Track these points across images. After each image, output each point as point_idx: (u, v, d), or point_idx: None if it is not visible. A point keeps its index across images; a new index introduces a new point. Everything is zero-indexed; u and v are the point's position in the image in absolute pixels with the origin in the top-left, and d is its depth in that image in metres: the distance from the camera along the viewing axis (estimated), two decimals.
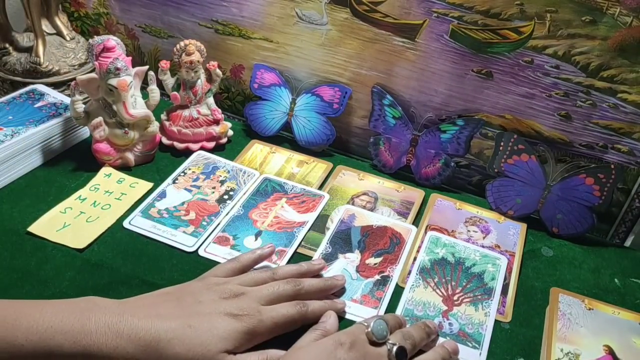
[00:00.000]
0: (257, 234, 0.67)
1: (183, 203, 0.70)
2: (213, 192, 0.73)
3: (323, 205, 0.72)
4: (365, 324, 0.51)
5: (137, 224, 0.67)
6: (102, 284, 0.59)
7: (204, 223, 0.68)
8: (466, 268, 0.65)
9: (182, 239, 0.65)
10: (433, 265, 0.65)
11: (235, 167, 0.77)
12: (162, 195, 0.71)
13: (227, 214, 0.69)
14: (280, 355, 0.51)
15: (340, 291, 0.61)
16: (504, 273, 0.65)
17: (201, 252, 0.64)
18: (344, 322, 0.58)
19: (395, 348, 0.50)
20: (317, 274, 0.61)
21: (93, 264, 0.61)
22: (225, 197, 0.72)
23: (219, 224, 0.68)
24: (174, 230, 0.66)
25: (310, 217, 0.70)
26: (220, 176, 0.75)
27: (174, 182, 0.73)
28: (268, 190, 0.74)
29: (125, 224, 0.67)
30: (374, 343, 0.50)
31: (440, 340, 0.56)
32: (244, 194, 0.73)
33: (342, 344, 0.48)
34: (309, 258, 0.65)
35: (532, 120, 0.73)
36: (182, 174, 0.75)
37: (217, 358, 0.48)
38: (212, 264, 0.61)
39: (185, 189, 0.73)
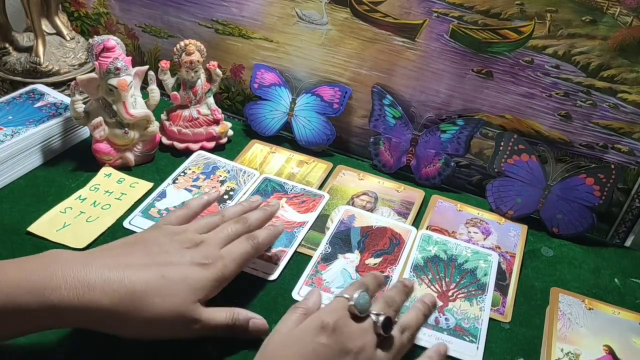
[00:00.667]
0: None
1: (183, 203, 0.70)
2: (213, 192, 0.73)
3: (323, 205, 0.72)
4: (347, 296, 0.49)
5: (137, 223, 0.67)
6: None
7: None
8: (459, 265, 0.66)
9: None
10: (426, 262, 0.65)
11: (235, 167, 0.77)
12: (162, 195, 0.71)
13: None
14: (248, 316, 0.53)
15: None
16: (496, 269, 0.65)
17: None
18: None
19: (381, 319, 0.48)
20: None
21: None
22: (225, 197, 0.72)
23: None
24: None
25: (311, 217, 0.70)
26: (220, 176, 0.75)
27: (174, 182, 0.73)
28: (268, 190, 0.74)
29: (126, 224, 0.67)
30: (357, 317, 0.48)
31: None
32: (244, 193, 0.73)
33: (324, 327, 0.46)
34: (309, 258, 0.65)
35: (532, 120, 0.73)
36: (182, 174, 0.75)
37: (191, 308, 0.49)
38: None
39: (186, 189, 0.73)
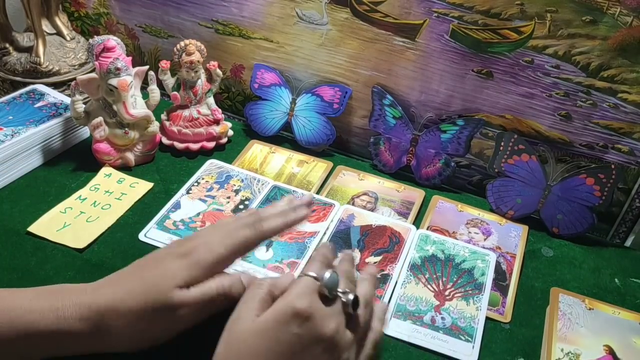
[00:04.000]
0: (268, 245, 0.66)
1: (198, 214, 0.69)
2: (228, 202, 0.71)
3: (334, 215, 0.71)
4: (315, 275, 0.45)
5: (153, 236, 0.65)
6: None
7: None
8: (456, 264, 0.66)
9: None
10: (423, 261, 0.66)
11: (249, 176, 0.76)
12: (177, 206, 0.70)
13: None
14: (236, 276, 0.49)
15: None
16: (493, 268, 0.65)
17: None
18: None
19: (350, 298, 0.45)
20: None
21: (93, 264, 0.61)
22: (241, 206, 0.71)
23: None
24: None
25: (322, 227, 0.69)
26: (234, 185, 0.74)
27: (187, 193, 0.72)
28: (277, 198, 0.73)
29: (141, 236, 0.65)
30: (326, 299, 0.45)
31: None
32: (259, 203, 0.72)
33: (297, 314, 0.43)
34: None
35: (532, 120, 0.73)
36: (196, 184, 0.74)
37: (170, 295, 0.46)
38: None
39: (200, 199, 0.71)
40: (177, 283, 0.47)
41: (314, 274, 0.46)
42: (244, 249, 0.50)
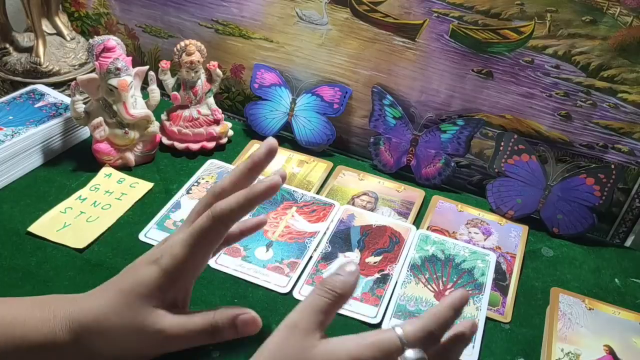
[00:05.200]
0: (269, 245, 0.66)
1: None
2: None
3: (334, 215, 0.71)
4: (403, 339, 0.39)
5: (153, 236, 0.65)
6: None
7: None
8: (456, 264, 0.66)
9: None
10: (423, 261, 0.65)
11: None
12: (177, 206, 0.70)
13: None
14: (232, 314, 0.46)
15: None
16: (494, 268, 0.65)
17: (212, 264, 0.63)
18: (342, 320, 0.58)
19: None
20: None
21: (93, 264, 0.61)
22: None
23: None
24: None
25: (321, 227, 0.69)
26: None
27: (187, 193, 0.72)
28: (277, 198, 0.72)
29: (141, 236, 0.65)
30: None
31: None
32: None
33: None
34: None
35: (532, 120, 0.73)
36: (196, 184, 0.73)
37: (149, 319, 0.45)
38: (221, 274, 0.61)
39: (200, 199, 0.71)
40: (152, 302, 0.46)
41: (404, 339, 0.39)
42: (205, 242, 0.46)
